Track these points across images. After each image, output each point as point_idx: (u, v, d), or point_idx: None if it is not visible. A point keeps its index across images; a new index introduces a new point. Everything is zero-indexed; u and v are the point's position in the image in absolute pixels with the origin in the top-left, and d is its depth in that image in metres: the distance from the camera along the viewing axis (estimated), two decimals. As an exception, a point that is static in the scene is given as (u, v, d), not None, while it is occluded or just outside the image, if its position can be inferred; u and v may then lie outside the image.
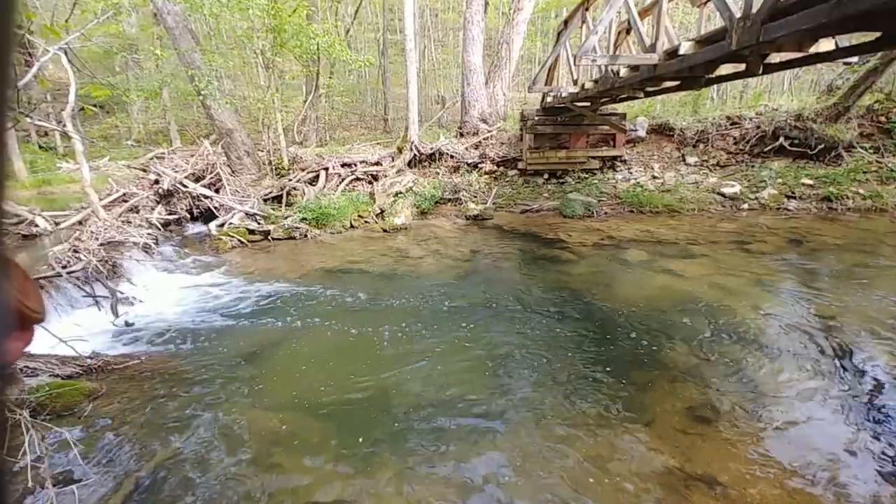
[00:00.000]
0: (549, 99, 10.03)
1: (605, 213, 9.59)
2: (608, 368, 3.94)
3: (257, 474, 2.86)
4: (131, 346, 4.64)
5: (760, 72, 4.52)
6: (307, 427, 3.32)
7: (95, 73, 14.37)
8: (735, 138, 10.67)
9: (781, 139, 10.08)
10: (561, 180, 10.94)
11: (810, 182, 9.40)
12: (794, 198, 9.27)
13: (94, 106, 18.53)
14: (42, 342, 4.00)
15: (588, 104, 9.02)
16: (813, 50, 3.88)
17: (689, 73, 4.94)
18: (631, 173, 10.75)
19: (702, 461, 2.90)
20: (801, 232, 7.79)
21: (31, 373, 3.64)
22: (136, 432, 3.29)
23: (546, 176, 11.08)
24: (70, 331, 4.53)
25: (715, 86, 10.76)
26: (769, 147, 10.22)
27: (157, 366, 4.16)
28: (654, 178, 10.47)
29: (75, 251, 5.86)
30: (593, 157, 10.82)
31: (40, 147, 18.61)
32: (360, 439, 3.17)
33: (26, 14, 4.02)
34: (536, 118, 10.50)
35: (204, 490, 2.76)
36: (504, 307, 5.27)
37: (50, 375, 3.70)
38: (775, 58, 4.34)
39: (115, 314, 5.18)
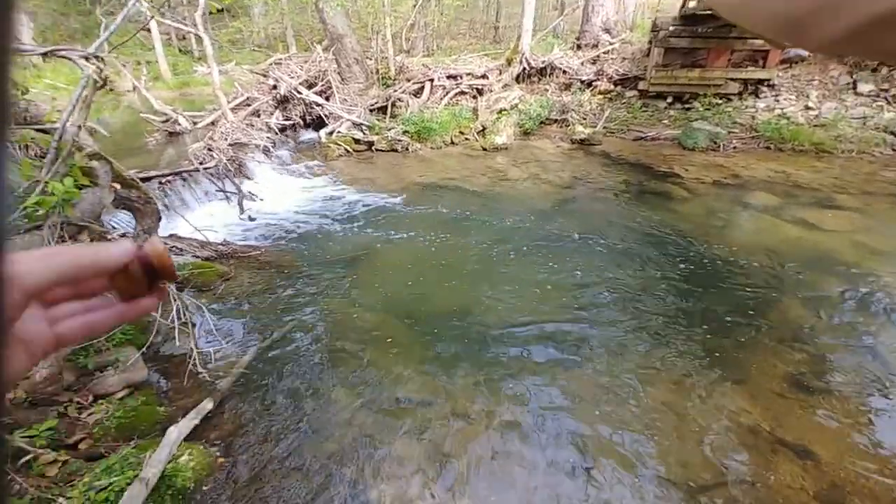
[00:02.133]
0: (691, 3, 8.49)
1: (734, 147, 8.32)
2: (707, 319, 3.65)
3: (351, 363, 3.21)
4: (253, 239, 5.24)
5: None
6: (396, 328, 3.59)
7: (223, -25, 14.98)
8: (939, 61, 8.31)
9: None
10: (687, 106, 9.56)
11: None
12: None
13: (220, 11, 19.58)
14: (186, 226, 4.67)
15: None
16: None
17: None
18: (777, 101, 9.03)
19: (796, 430, 2.66)
20: None
21: (178, 252, 4.30)
22: (258, 311, 3.82)
23: (670, 100, 9.74)
24: (205, 220, 5.22)
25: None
26: None
27: (274, 258, 4.68)
28: (808, 108, 8.70)
29: (209, 149, 6.55)
30: (733, 80, 9.19)
31: (180, 51, 20.45)
32: (443, 347, 3.37)
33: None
34: (671, 29, 9.01)
35: (308, 367, 3.18)
36: (600, 241, 5.00)
37: (192, 256, 4.35)
38: None
39: (241, 209, 5.82)
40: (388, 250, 4.88)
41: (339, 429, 2.69)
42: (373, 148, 8.56)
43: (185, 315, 2.96)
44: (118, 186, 3.00)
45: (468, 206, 6.01)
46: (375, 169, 7.75)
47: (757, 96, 9.25)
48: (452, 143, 8.97)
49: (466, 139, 9.10)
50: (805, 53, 9.19)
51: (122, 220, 4.07)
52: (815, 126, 8.27)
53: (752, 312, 3.74)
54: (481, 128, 9.18)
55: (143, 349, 2.93)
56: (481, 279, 4.28)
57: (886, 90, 8.54)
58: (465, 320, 3.69)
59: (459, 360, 3.25)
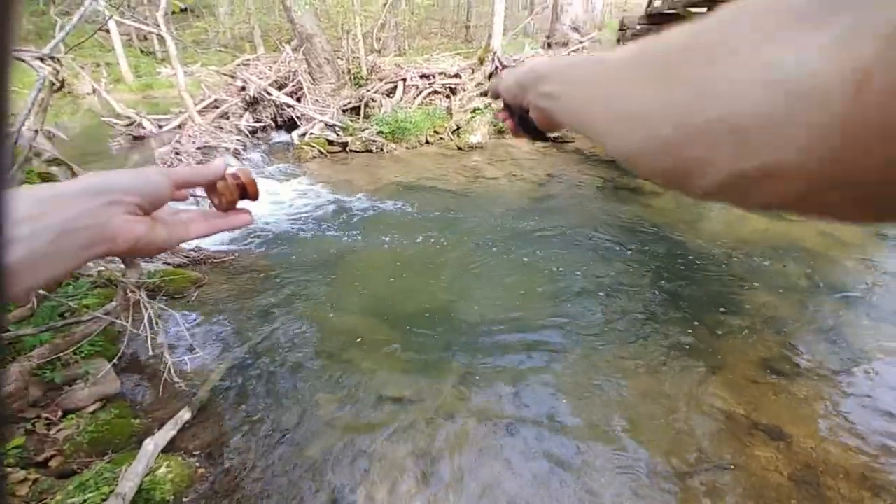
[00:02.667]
0: (657, 3, 8.72)
1: (704, 141, 8.58)
2: (682, 309, 3.75)
3: (332, 367, 3.16)
4: (226, 244, 5.11)
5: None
6: (376, 329, 3.56)
7: (185, -26, 14.55)
8: None
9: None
10: (656, 102, 9.82)
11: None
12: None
13: (184, 10, 19.02)
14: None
15: (705, 9, 7.74)
16: None
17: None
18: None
19: (770, 413, 2.76)
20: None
21: (148, 260, 4.16)
22: (234, 317, 3.72)
23: (640, 96, 9.99)
24: (176, 225, 5.05)
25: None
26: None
27: (248, 262, 4.58)
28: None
29: (177, 153, 6.35)
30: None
31: (142, 52, 19.76)
32: (425, 346, 3.36)
33: None
34: (638, 27, 9.25)
35: (288, 372, 3.12)
36: (577, 236, 5.08)
37: (163, 263, 4.21)
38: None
39: (212, 213, 5.67)
40: (365, 251, 4.84)
41: (322, 433, 2.65)
42: (347, 149, 8.46)
43: (157, 324, 2.86)
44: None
45: (445, 205, 6.01)
46: (350, 170, 7.67)
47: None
48: (427, 142, 8.95)
49: (441, 138, 9.10)
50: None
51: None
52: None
53: (724, 301, 3.86)
54: (456, 127, 9.19)
55: (115, 360, 2.82)
56: (460, 277, 4.29)
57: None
58: (446, 318, 3.69)
59: (442, 359, 3.24)
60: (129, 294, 2.75)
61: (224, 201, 0.51)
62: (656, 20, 9.03)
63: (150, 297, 3.22)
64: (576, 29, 11.24)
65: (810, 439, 2.59)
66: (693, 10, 7.76)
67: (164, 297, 3.80)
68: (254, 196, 0.53)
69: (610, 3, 13.46)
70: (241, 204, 0.53)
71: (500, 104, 0.70)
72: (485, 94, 9.83)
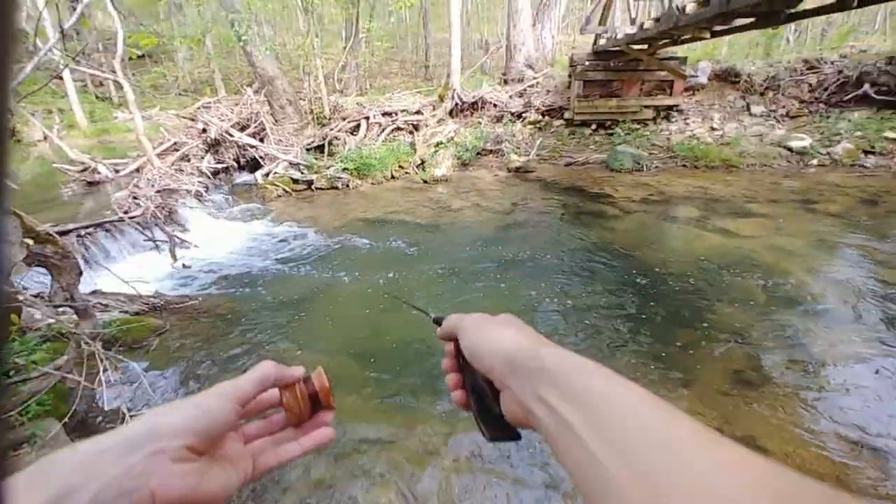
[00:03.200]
0: (602, 41, 9.33)
1: (656, 167, 9.06)
2: (650, 328, 3.85)
3: (307, 410, 3.04)
4: (189, 288, 4.93)
5: (855, 4, 3.97)
6: (349, 368, 3.47)
7: (142, 21, 14.55)
8: (811, 85, 9.64)
9: (867, 86, 9.00)
10: (609, 131, 10.35)
11: (894, 135, 8.44)
12: (874, 153, 8.38)
13: (142, 56, 18.90)
14: (111, 281, 4.31)
15: (645, 47, 8.33)
16: (924, -24, 3.34)
17: (769, 6, 4.41)
18: (687, 124, 10.02)
19: (743, 424, 2.83)
20: (876, 192, 7.11)
21: (104, 309, 3.95)
22: (198, 365, 3.55)
23: (594, 126, 10.51)
24: (134, 272, 4.85)
25: (793, 25, 9.66)
26: (850, 95, 9.18)
27: (212, 306, 4.42)
28: (713, 129, 9.72)
29: (135, 198, 6.17)
30: (647, 107, 10.12)
31: (97, 97, 19.38)
32: (400, 383, 3.29)
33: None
34: (587, 63, 9.83)
35: (259, 422, 2.97)
36: (544, 263, 5.19)
37: (120, 311, 4.01)
38: (875, -13, 3.78)
39: (174, 257, 5.48)
40: (334, 289, 4.76)
41: (297, 482, 2.52)
42: (312, 187, 8.45)
43: (113, 376, 2.70)
44: (31, 242, 2.74)
45: (413, 237, 6.04)
46: (316, 207, 7.63)
47: (669, 120, 10.20)
48: (393, 177, 9.06)
49: (406, 173, 9.23)
50: (704, 80, 10.33)
51: (35, 279, 3.70)
52: (722, 144, 9.22)
53: (688, 316, 3.99)
54: (420, 161, 9.37)
55: (65, 419, 2.62)
56: (432, 308, 4.27)
57: (774, 110, 9.73)
58: (421, 352, 3.64)
59: (419, 394, 3.18)
60: (83, 346, 2.60)
61: (293, 416, 0.46)
62: (602, 56, 9.63)
63: (106, 348, 3.05)
64: (530, 66, 11.83)
65: (783, 448, 2.66)
66: (635, 47, 8.33)
67: (121, 348, 3.60)
68: (328, 405, 0.49)
69: (560, 42, 14.28)
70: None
71: (448, 347, 0.55)
72: (451, 114, 10.11)
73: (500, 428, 0.43)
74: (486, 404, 0.44)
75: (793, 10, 4.68)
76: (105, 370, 2.63)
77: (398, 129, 10.43)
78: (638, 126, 10.15)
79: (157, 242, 5.68)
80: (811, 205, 6.66)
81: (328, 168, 8.73)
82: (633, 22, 7.59)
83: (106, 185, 7.75)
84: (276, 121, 10.29)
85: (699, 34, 6.70)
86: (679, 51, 9.84)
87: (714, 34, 6.66)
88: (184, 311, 4.26)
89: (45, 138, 11.28)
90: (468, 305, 4.30)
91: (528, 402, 0.37)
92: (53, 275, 3.19)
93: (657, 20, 6.64)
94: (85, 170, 8.07)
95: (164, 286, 4.89)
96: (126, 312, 4.01)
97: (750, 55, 11.29)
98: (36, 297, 3.39)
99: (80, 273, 3.43)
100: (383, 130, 10.20)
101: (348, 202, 7.82)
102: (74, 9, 3.56)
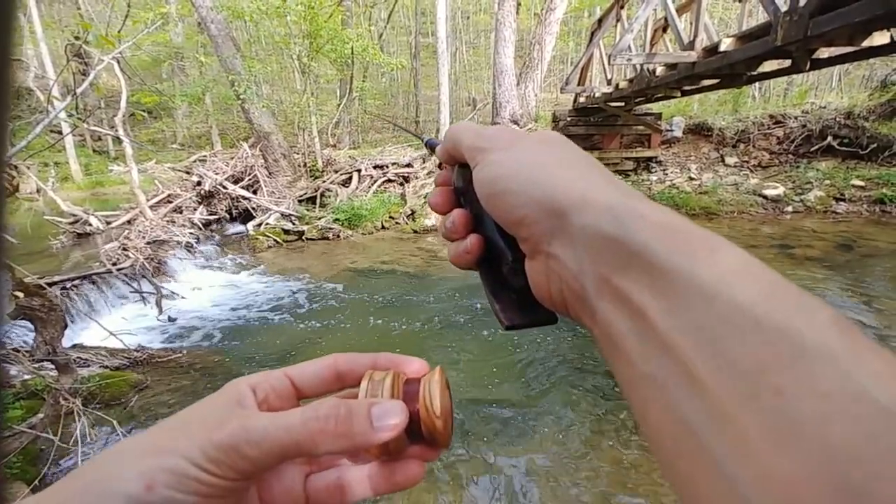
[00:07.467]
0: (581, 99, 9.88)
1: (640, 215, 9.32)
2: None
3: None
4: (174, 341, 4.86)
5: (807, 68, 4.32)
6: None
7: (145, 81, 15.18)
8: (779, 138, 10.20)
9: (829, 138, 9.56)
10: (593, 182, 10.71)
11: (861, 183, 8.87)
12: (844, 200, 8.77)
13: (143, 112, 19.54)
14: (93, 335, 4.26)
15: (622, 104, 8.84)
16: (866, 44, 3.67)
17: (730, 70, 4.77)
18: (666, 175, 10.45)
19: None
20: (851, 236, 7.37)
21: (84, 363, 3.88)
22: (178, 423, 3.45)
23: (578, 177, 10.88)
24: (118, 324, 4.80)
25: (757, 84, 10.35)
26: (816, 147, 9.71)
27: (198, 359, 4.35)
28: (691, 179, 10.13)
29: (124, 249, 6.20)
30: (627, 159, 10.58)
31: (94, 151, 19.80)
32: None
33: (83, 25, 4.33)
34: (568, 119, 10.36)
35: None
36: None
37: (100, 366, 3.93)
38: (824, 53, 4.13)
39: (160, 309, 5.44)
40: (324, 340, 4.73)
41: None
42: (303, 237, 8.55)
43: (89, 435, 2.62)
44: (20, 295, 2.75)
45: (403, 287, 6.07)
46: (307, 258, 7.69)
47: (649, 171, 10.64)
48: (383, 227, 9.22)
49: (397, 223, 9.40)
50: (679, 134, 10.89)
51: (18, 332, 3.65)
52: (701, 193, 9.58)
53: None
54: (410, 212, 9.57)
55: (35, 482, 2.52)
56: (420, 356, 4.24)
57: (747, 161, 10.22)
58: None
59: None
60: (62, 402, 2.54)
61: (392, 447, 0.30)
62: (582, 112, 10.18)
63: (84, 404, 2.98)
64: (515, 122, 12.40)
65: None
66: (612, 104, 8.84)
67: (98, 405, 3.51)
68: (444, 441, 0.30)
69: (542, 99, 15.08)
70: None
71: (444, 174, 0.38)
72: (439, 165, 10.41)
73: (526, 308, 0.29)
74: (501, 273, 0.30)
75: (753, 73, 5.06)
76: (81, 429, 2.57)
77: (389, 180, 10.73)
78: (620, 177, 10.49)
79: (144, 294, 5.65)
80: (790, 249, 6.87)
81: (319, 219, 8.88)
82: (608, 83, 8.10)
83: (97, 237, 7.78)
84: (269, 173, 10.55)
85: (670, 93, 7.16)
86: (654, 107, 10.43)
87: (684, 93, 7.11)
88: (166, 365, 4.19)
89: (39, 191, 11.40)
90: (455, 354, 4.28)
91: (590, 291, 0.23)
92: (38, 328, 3.16)
93: (631, 81, 7.11)
94: (76, 221, 8.12)
95: (149, 339, 4.82)
96: (106, 367, 3.94)
97: (720, 111, 11.97)
98: (15, 351, 3.33)
99: (65, 326, 3.41)
100: (374, 182, 10.48)
101: (339, 252, 7.90)
102: (83, 72, 3.76)
